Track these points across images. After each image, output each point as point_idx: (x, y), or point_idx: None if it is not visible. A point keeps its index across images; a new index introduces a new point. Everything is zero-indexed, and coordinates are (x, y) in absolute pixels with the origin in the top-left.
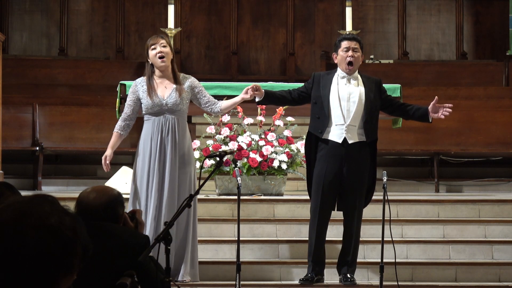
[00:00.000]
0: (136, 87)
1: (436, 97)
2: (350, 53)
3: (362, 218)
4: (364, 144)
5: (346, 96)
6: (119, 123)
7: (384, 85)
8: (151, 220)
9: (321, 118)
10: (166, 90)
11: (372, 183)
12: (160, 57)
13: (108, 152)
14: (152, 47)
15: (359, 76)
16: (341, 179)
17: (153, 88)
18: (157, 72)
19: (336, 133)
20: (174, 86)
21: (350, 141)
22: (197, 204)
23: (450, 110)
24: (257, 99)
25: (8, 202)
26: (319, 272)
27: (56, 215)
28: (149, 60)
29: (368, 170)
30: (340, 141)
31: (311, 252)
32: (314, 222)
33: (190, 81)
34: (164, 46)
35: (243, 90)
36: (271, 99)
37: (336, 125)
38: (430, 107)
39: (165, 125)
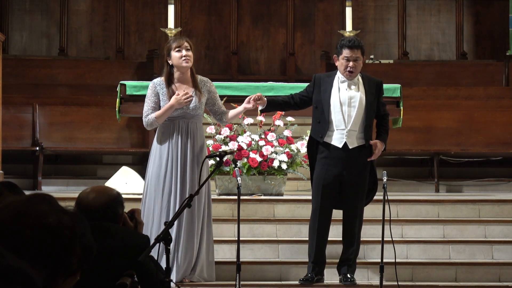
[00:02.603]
0: (156, 88)
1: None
2: (351, 63)
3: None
4: (363, 147)
5: (347, 101)
6: (147, 116)
7: (384, 85)
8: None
9: (322, 122)
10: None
11: (373, 184)
12: (185, 60)
13: (172, 101)
14: (177, 49)
15: (360, 79)
16: (342, 181)
17: (173, 92)
18: (176, 75)
19: (336, 138)
20: (193, 90)
21: (350, 146)
22: (211, 205)
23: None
24: (260, 108)
25: (5, 202)
26: (319, 272)
27: (54, 214)
28: (169, 62)
29: (368, 171)
30: (340, 146)
31: (311, 252)
32: (314, 223)
33: (208, 85)
34: (188, 49)
35: (246, 100)
36: (274, 106)
37: (337, 129)
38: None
39: (184, 129)
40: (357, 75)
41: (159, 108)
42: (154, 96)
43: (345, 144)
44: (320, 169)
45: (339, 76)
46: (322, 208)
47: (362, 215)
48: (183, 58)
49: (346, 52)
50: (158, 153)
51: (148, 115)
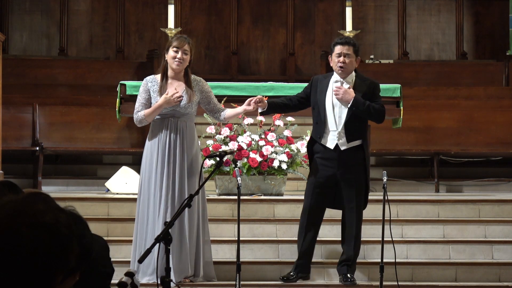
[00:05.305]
0: (147, 85)
1: None
2: (341, 59)
3: (362, 218)
4: (356, 148)
5: (338, 102)
6: (137, 114)
7: (384, 85)
8: (161, 223)
9: (319, 123)
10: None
11: (366, 186)
12: (177, 62)
13: (160, 100)
14: (175, 48)
15: (354, 79)
16: (336, 182)
17: (165, 89)
18: (169, 72)
19: (330, 139)
20: (185, 89)
21: (342, 147)
22: (206, 205)
23: None
24: (259, 110)
25: (1, 202)
26: (302, 271)
27: (51, 212)
28: (166, 57)
29: (363, 172)
30: (332, 147)
31: (299, 251)
32: (303, 221)
33: (201, 85)
34: (186, 53)
35: (246, 102)
36: (274, 109)
37: (330, 131)
38: None
39: (174, 128)
40: (351, 74)
41: (150, 105)
42: (145, 93)
43: (337, 145)
44: (314, 170)
45: (334, 77)
46: (311, 207)
47: (361, 216)
48: (176, 60)
49: (337, 49)
50: (149, 151)
51: (138, 112)
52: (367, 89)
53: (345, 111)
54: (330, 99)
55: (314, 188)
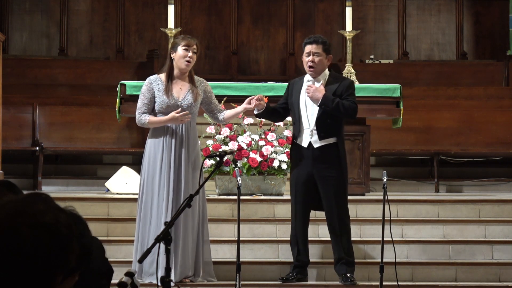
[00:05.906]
0: (151, 84)
1: None
2: (310, 57)
3: (362, 218)
4: (330, 145)
5: (309, 100)
6: (142, 115)
7: (384, 85)
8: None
9: (296, 123)
10: (181, 92)
11: (344, 183)
12: (187, 61)
13: (169, 116)
14: (185, 47)
15: (326, 78)
16: (314, 181)
17: (170, 88)
18: (175, 71)
19: (304, 137)
20: (189, 88)
21: (315, 145)
22: (206, 204)
23: None
24: (255, 112)
25: (1, 202)
26: (300, 272)
27: (51, 212)
28: (172, 56)
29: (340, 169)
30: (305, 145)
31: (294, 253)
32: (293, 223)
33: (204, 85)
34: (195, 52)
35: (246, 100)
36: (271, 113)
37: (304, 129)
38: None
39: (179, 128)
40: (323, 73)
41: (152, 105)
42: (148, 93)
43: (310, 143)
44: (293, 169)
45: (307, 77)
46: (296, 207)
47: (344, 212)
48: (186, 59)
49: (306, 48)
50: (152, 150)
51: (142, 112)
52: (340, 87)
53: (316, 109)
54: (303, 98)
55: (296, 188)
